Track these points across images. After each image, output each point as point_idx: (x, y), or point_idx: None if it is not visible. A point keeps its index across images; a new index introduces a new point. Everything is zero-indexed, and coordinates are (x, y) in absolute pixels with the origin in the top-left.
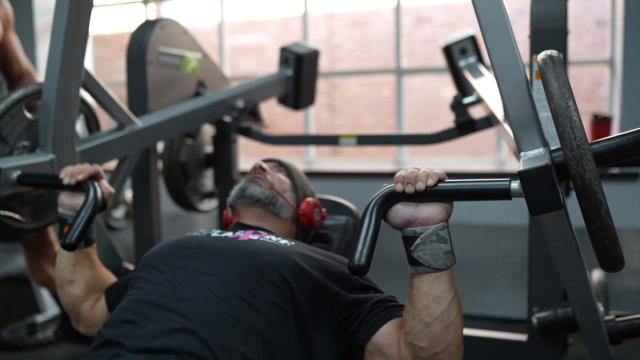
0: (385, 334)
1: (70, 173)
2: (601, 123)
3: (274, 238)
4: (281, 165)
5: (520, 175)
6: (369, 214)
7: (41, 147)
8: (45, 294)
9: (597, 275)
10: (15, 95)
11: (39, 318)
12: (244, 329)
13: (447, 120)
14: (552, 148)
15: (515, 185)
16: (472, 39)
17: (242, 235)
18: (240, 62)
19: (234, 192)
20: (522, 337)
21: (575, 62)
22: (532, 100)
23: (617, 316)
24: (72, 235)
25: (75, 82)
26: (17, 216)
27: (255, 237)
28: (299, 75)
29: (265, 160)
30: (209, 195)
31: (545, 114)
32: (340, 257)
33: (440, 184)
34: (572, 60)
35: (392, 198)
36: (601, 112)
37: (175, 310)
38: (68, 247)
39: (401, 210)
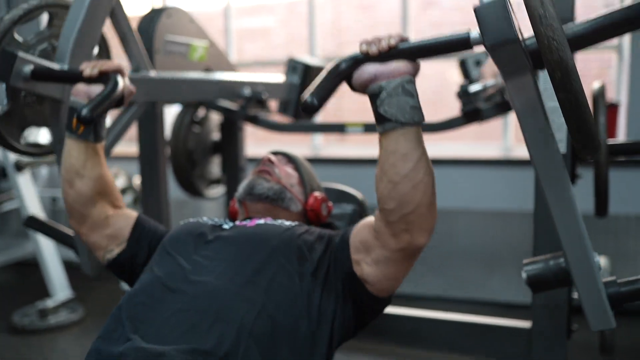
0: (357, 233)
1: (92, 65)
2: (609, 109)
3: (278, 221)
4: (289, 159)
5: (475, 10)
6: (333, 68)
7: (58, 59)
8: (55, 279)
9: (601, 262)
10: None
11: (50, 303)
12: (252, 307)
13: (454, 104)
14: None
15: (474, 33)
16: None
17: (249, 222)
18: (247, 46)
19: (241, 188)
20: (526, 324)
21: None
22: None
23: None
24: (89, 108)
25: (105, 5)
26: (39, 142)
27: (262, 221)
28: (304, 85)
29: (273, 153)
30: (216, 182)
31: (551, 104)
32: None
33: (402, 44)
34: None
35: (357, 62)
36: (608, 98)
37: (185, 292)
38: (83, 119)
39: (367, 67)
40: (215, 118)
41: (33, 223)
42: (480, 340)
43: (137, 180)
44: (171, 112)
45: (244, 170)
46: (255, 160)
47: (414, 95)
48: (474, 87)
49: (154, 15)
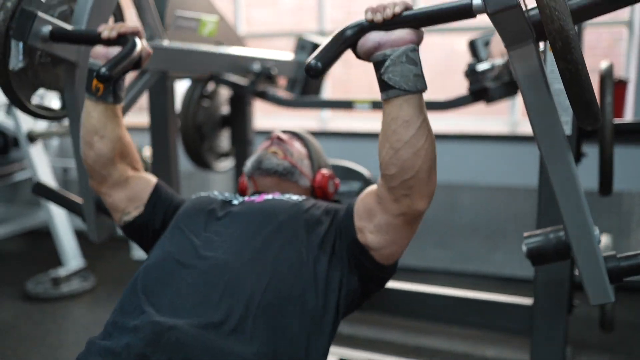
0: (361, 201)
1: (110, 27)
2: (617, 86)
3: (286, 195)
4: (298, 136)
5: None
6: (338, 34)
7: (75, 22)
8: (67, 247)
9: (603, 240)
10: None
11: (62, 271)
12: (260, 280)
13: (461, 76)
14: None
15: (477, 0)
16: None
17: (257, 198)
18: (255, 14)
19: (250, 163)
20: (528, 300)
21: (593, 22)
22: None
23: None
24: (108, 67)
25: None
26: (49, 106)
27: (270, 196)
28: None
29: (282, 132)
30: (225, 155)
31: (558, 86)
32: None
33: (406, 12)
34: (590, 20)
35: (363, 30)
36: (618, 75)
37: (196, 267)
38: (102, 77)
39: (372, 35)
40: (225, 92)
41: (41, 190)
42: (482, 317)
43: (147, 152)
44: (181, 86)
45: (253, 143)
46: (263, 133)
47: (417, 63)
48: (482, 66)
49: None
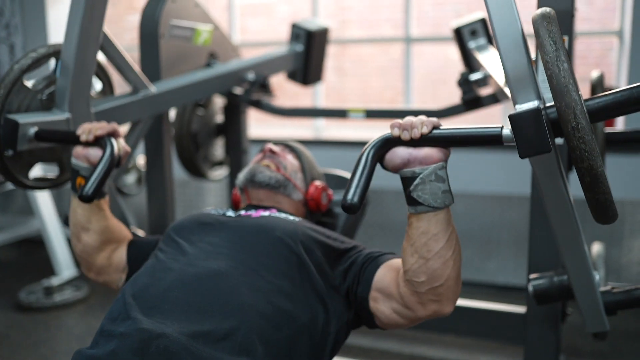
0: (382, 276)
1: (88, 130)
2: None
3: (283, 214)
4: (290, 148)
5: (510, 118)
6: (365, 156)
7: (58, 105)
8: (60, 256)
9: (596, 247)
10: (38, 52)
11: (55, 281)
12: (253, 293)
13: (454, 84)
14: (548, 104)
15: (507, 131)
16: (483, 21)
17: (254, 213)
18: (250, 23)
19: (242, 175)
20: (521, 308)
21: (584, 32)
22: (529, 56)
23: (613, 287)
24: (89, 188)
25: (93, 44)
26: (48, 176)
27: (267, 213)
28: (308, 52)
29: (274, 143)
30: (219, 164)
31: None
32: (338, 235)
33: (435, 131)
34: (580, 30)
35: (388, 144)
36: (609, 84)
37: (188, 274)
38: (85, 199)
39: (400, 151)
40: (219, 101)
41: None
42: (476, 325)
43: (141, 160)
44: None
45: (247, 152)
46: (257, 142)
47: (445, 180)
48: (475, 76)
49: (160, 0)
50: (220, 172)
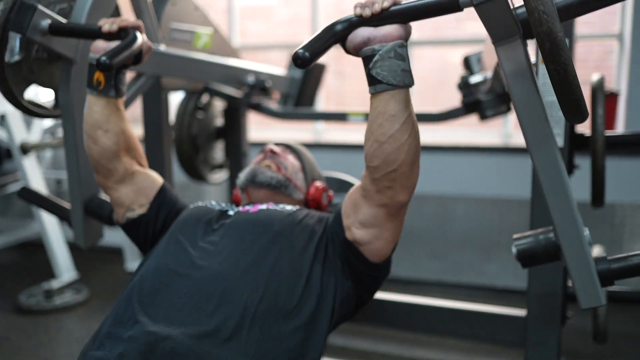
0: (345, 202)
1: (111, 21)
2: (608, 98)
3: (280, 206)
4: (291, 149)
5: None
6: (328, 29)
7: (74, 17)
8: (61, 259)
9: (596, 250)
10: None
11: (55, 283)
12: (255, 290)
13: (454, 88)
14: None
15: None
16: None
17: (251, 208)
18: (249, 25)
19: (243, 175)
20: (521, 311)
21: (584, 35)
22: None
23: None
24: (108, 55)
25: None
26: (41, 103)
27: (264, 206)
28: (305, 80)
29: (275, 144)
30: (219, 167)
31: (550, 98)
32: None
33: (394, 7)
34: (581, 33)
35: (351, 25)
36: (608, 87)
37: (191, 276)
38: (103, 66)
39: (360, 30)
40: (219, 104)
41: (27, 194)
42: (476, 326)
43: None
44: (176, 98)
45: (247, 155)
46: (257, 145)
47: (405, 58)
48: (475, 79)
49: (160, 3)
50: (220, 175)
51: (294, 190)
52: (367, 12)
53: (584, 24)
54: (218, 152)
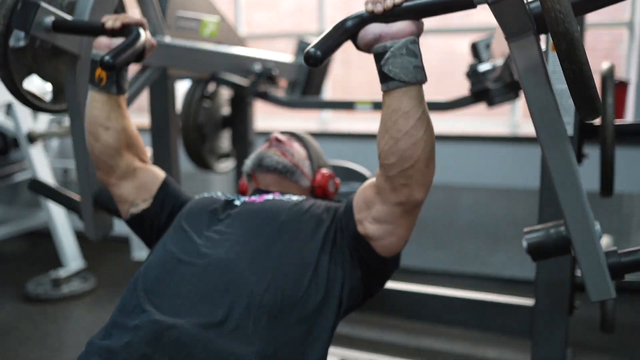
0: (358, 195)
1: (114, 17)
2: (618, 87)
3: (286, 196)
4: (297, 137)
5: None
6: (339, 25)
7: (77, 13)
8: (68, 248)
9: (605, 241)
10: None
11: (62, 272)
12: (261, 280)
13: (461, 78)
14: None
15: None
16: None
17: (257, 198)
18: (255, 16)
19: (250, 161)
20: (529, 301)
21: (594, 24)
22: None
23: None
24: (111, 55)
25: None
26: (39, 95)
27: (270, 196)
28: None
29: (281, 133)
30: (226, 156)
31: (560, 86)
32: (338, 204)
33: (406, 3)
34: (590, 22)
35: (362, 22)
36: (618, 76)
37: (197, 265)
38: (106, 65)
39: (372, 27)
40: (225, 93)
41: (37, 187)
42: (483, 316)
43: (147, 153)
44: (182, 87)
45: (253, 144)
46: (264, 134)
47: (417, 55)
48: (483, 67)
49: None
50: (227, 165)
51: (301, 177)
52: (378, 8)
53: (592, 13)
54: (224, 141)
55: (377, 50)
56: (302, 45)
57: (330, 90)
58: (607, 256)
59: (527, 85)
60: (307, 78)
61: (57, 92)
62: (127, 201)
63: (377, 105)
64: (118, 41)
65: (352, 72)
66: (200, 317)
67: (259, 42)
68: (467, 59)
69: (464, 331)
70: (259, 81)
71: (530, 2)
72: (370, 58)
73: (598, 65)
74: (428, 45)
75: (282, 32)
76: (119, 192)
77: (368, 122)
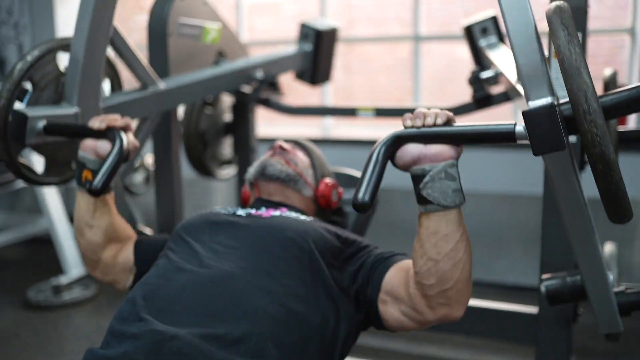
0: (392, 277)
1: (101, 119)
2: None
3: (294, 214)
4: (300, 145)
5: (524, 114)
6: (376, 153)
7: (67, 99)
8: (69, 255)
9: (609, 247)
10: (49, 44)
11: (63, 279)
12: (266, 296)
13: (463, 84)
14: (562, 101)
15: (520, 127)
16: (494, 19)
17: (264, 212)
18: (257, 22)
19: (253, 169)
20: (533, 309)
21: (596, 30)
22: (542, 51)
23: (627, 288)
24: (99, 181)
25: (103, 38)
26: (32, 167)
27: (277, 212)
28: (317, 51)
29: (285, 141)
30: (228, 163)
31: (562, 94)
32: (350, 234)
33: (446, 128)
34: (592, 28)
35: (400, 140)
36: (621, 82)
37: (200, 274)
38: (94, 192)
39: (410, 147)
40: (227, 99)
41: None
42: (487, 323)
43: (148, 159)
44: None
45: (255, 151)
46: (266, 141)
47: (455, 178)
48: (486, 74)
49: None
50: (229, 171)
51: (304, 186)
52: (418, 124)
53: (594, 18)
54: (226, 147)
55: (415, 172)
56: (304, 30)
57: (332, 97)
58: (617, 296)
59: (559, 187)
60: (314, 63)
61: (49, 165)
62: (118, 283)
63: (379, 112)
64: (102, 144)
65: (354, 78)
66: (202, 328)
67: (261, 48)
68: (469, 65)
69: (467, 338)
70: (261, 88)
71: (562, 105)
72: (369, 63)
73: (600, 71)
74: (429, 51)
75: (284, 38)
76: (107, 280)
77: (370, 129)
